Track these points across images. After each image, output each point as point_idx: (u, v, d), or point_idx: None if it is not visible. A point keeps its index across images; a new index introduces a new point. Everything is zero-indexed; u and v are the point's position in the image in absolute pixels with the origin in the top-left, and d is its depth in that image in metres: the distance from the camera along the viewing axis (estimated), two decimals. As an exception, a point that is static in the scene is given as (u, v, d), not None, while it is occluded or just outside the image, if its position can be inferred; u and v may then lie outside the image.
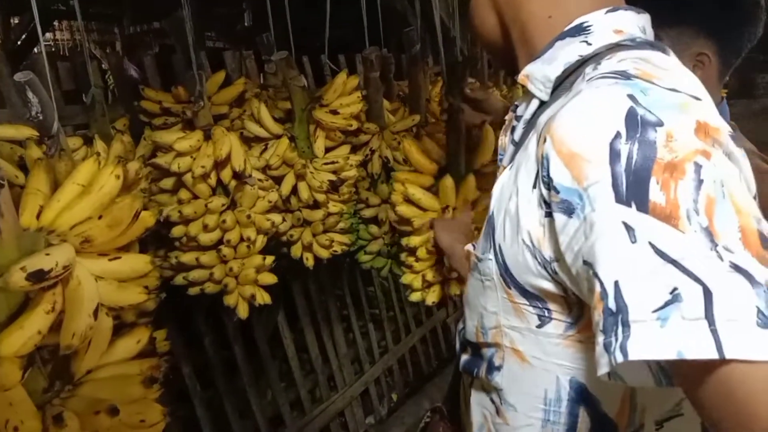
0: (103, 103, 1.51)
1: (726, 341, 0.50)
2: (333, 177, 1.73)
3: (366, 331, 3.26)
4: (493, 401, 0.82)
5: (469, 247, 0.87)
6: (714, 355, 0.50)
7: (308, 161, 1.73)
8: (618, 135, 0.57)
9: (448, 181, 1.60)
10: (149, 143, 1.56)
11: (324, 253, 1.85)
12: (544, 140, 0.63)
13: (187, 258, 1.54)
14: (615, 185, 0.56)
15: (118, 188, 0.98)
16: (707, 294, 0.52)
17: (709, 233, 0.54)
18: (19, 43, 4.42)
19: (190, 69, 1.50)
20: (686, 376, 0.57)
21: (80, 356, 0.93)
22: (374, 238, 1.97)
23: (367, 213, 1.93)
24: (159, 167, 1.49)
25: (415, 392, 3.40)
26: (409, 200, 1.63)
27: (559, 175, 0.61)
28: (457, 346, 0.89)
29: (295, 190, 1.74)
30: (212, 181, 1.50)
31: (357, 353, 3.20)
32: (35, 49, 4.83)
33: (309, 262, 1.86)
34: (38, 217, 0.92)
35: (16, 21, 4.87)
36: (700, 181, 0.55)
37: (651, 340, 0.53)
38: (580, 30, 0.74)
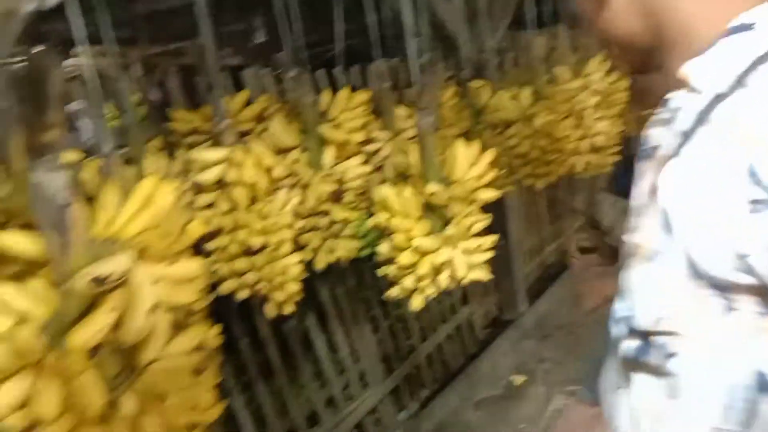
0: (137, 125, 1.65)
1: None
2: (334, 187, 1.89)
3: (394, 331, 3.38)
4: (664, 387, 0.81)
5: (631, 238, 0.83)
6: None
7: (315, 172, 1.89)
8: None
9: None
10: (181, 162, 1.70)
11: (329, 258, 2.01)
12: (742, 141, 0.65)
13: (243, 264, 1.70)
14: None
15: (172, 203, 1.13)
16: None
17: None
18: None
19: (212, 90, 1.64)
20: None
21: (142, 349, 1.07)
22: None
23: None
24: (199, 184, 1.64)
25: (443, 388, 3.50)
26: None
27: None
28: (620, 331, 0.86)
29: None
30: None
31: (386, 352, 3.31)
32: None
33: (318, 265, 2.03)
34: (105, 228, 1.07)
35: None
36: None
37: None
38: (746, 28, 0.73)
